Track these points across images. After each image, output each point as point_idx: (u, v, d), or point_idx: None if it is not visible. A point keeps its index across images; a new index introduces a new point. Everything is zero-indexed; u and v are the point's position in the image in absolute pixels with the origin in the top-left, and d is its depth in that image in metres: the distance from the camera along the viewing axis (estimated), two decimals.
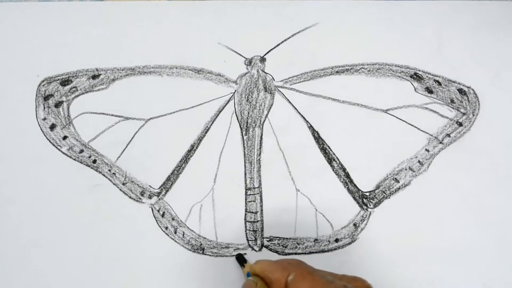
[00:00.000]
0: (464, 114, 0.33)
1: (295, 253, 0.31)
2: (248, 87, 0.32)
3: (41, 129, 0.32)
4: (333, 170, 0.32)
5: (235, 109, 0.32)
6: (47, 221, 0.31)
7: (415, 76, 0.33)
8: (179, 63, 0.32)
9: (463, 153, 0.32)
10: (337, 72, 0.33)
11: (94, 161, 0.32)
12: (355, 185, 0.32)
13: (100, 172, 0.32)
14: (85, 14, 0.32)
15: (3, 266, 0.31)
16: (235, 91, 0.32)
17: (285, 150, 0.32)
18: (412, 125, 0.33)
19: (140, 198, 0.32)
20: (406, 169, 0.32)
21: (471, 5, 0.33)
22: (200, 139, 0.32)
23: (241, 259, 0.31)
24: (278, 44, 0.33)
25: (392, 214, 0.32)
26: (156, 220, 0.32)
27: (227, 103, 0.32)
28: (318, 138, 0.32)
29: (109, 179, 0.32)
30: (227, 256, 0.31)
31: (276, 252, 0.31)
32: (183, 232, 0.32)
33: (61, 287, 0.31)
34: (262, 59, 0.32)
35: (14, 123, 0.32)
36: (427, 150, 0.32)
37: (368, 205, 0.32)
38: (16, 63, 0.32)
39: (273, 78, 0.32)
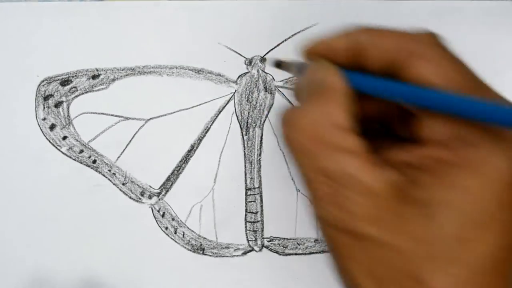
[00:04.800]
0: None
1: (296, 254, 0.31)
2: (248, 87, 0.32)
3: (41, 129, 0.32)
4: None
5: (235, 109, 0.32)
6: (46, 221, 0.31)
7: None
8: (179, 63, 0.32)
9: None
10: None
11: (94, 161, 0.32)
12: None
13: (100, 172, 0.32)
14: (85, 14, 0.32)
15: (3, 266, 0.31)
16: (235, 91, 0.32)
17: (286, 150, 0.32)
18: None
19: (140, 198, 0.32)
20: None
21: (471, 4, 0.33)
22: (200, 139, 0.32)
23: (280, 64, 0.26)
24: (278, 44, 0.33)
25: None
26: (156, 221, 0.32)
27: (227, 103, 0.32)
28: None
29: (109, 179, 0.32)
30: (227, 256, 0.31)
31: (277, 252, 0.31)
32: (183, 232, 0.32)
33: (61, 287, 0.31)
34: (262, 59, 0.32)
35: (13, 123, 0.32)
36: None
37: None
38: (16, 63, 0.32)
39: (273, 78, 0.32)
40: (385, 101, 0.21)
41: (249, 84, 0.32)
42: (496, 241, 0.19)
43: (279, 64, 0.26)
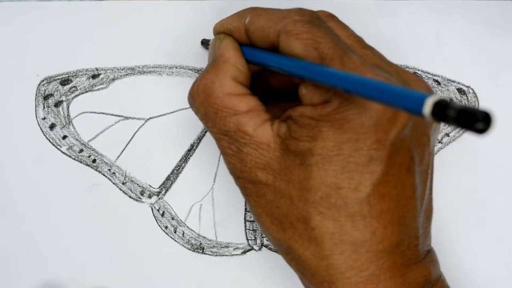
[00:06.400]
0: None
1: None
2: None
3: (41, 129, 0.32)
4: None
5: None
6: (46, 220, 0.31)
7: None
8: (179, 63, 0.32)
9: (462, 152, 0.32)
10: None
11: (94, 161, 0.32)
12: None
13: (100, 172, 0.32)
14: (85, 14, 0.32)
15: (3, 265, 0.31)
16: None
17: None
18: None
19: (139, 198, 0.32)
20: None
21: (471, 4, 0.34)
22: (200, 139, 0.32)
23: (205, 42, 0.31)
24: None
25: None
26: (156, 220, 0.32)
27: None
28: None
29: (108, 178, 0.32)
30: (226, 255, 0.31)
31: (276, 251, 0.31)
32: (183, 232, 0.32)
33: (60, 286, 0.31)
34: None
35: (13, 122, 0.32)
36: None
37: None
38: (16, 62, 0.32)
39: None
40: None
41: None
42: (366, 189, 0.21)
43: (204, 43, 0.31)
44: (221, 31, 0.26)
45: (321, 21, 0.23)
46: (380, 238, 0.21)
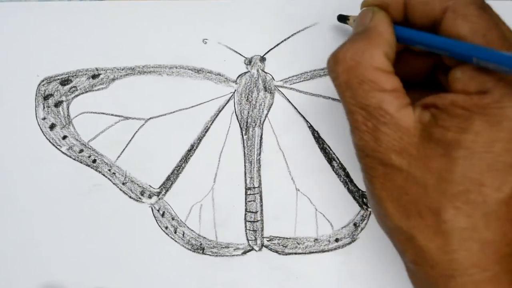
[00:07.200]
0: None
1: (295, 253, 0.31)
2: (248, 87, 0.32)
3: (41, 129, 0.32)
4: (333, 170, 0.32)
5: (235, 108, 0.32)
6: (46, 220, 0.31)
7: None
8: (179, 63, 0.32)
9: None
10: None
11: (94, 161, 0.32)
12: (355, 184, 0.32)
13: (100, 172, 0.32)
14: (85, 14, 0.32)
15: (3, 266, 0.31)
16: (235, 90, 0.32)
17: (285, 150, 0.32)
18: None
19: (140, 198, 0.32)
20: None
21: None
22: (200, 139, 0.32)
23: (342, 17, 0.30)
24: (278, 44, 0.33)
25: None
26: (156, 220, 0.32)
27: (227, 103, 0.32)
28: (318, 138, 0.32)
29: (109, 178, 0.32)
30: (227, 255, 0.31)
31: (276, 252, 0.31)
32: (183, 232, 0.32)
33: (60, 287, 0.31)
34: (262, 59, 0.32)
35: (13, 122, 0.32)
36: None
37: (368, 204, 0.32)
38: (16, 62, 0.32)
39: (273, 77, 0.32)
40: (423, 58, 0.24)
41: (248, 84, 0.32)
42: (508, 190, 0.20)
43: (342, 18, 0.30)
44: (376, 3, 0.25)
45: (492, 10, 0.22)
46: (509, 240, 0.21)
